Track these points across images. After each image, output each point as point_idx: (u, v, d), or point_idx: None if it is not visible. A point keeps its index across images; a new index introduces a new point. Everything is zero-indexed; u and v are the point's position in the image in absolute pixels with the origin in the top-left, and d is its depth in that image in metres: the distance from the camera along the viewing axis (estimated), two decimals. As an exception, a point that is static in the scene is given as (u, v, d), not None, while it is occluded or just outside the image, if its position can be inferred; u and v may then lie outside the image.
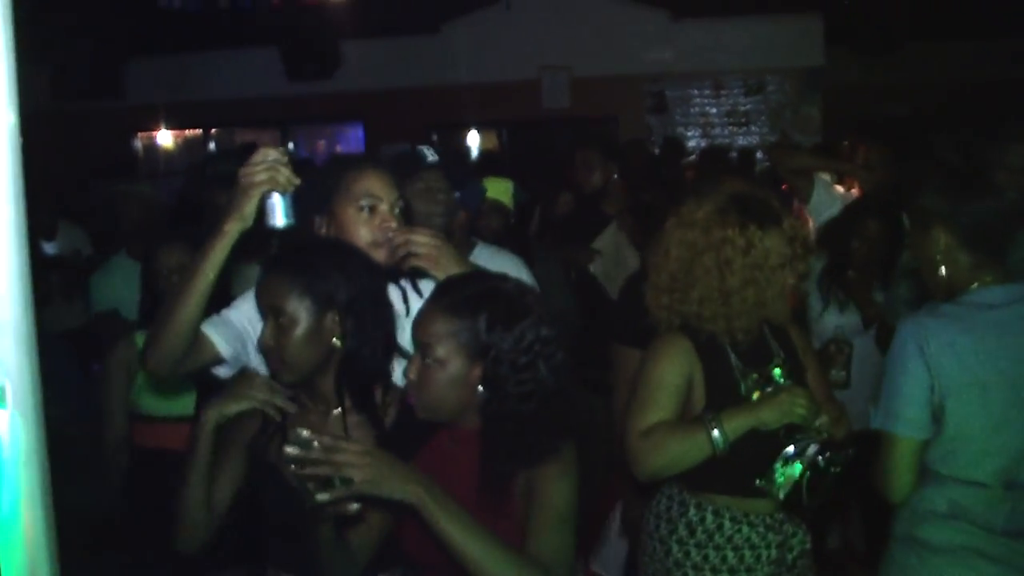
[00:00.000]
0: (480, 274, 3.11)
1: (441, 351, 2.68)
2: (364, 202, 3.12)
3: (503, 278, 2.87)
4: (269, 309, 2.86)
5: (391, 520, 2.83)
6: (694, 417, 3.26)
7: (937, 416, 3.14)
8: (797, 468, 3.18)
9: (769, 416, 3.18)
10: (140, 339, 4.28)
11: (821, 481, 3.18)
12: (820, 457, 3.15)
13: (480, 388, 2.69)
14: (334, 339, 2.87)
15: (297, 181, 2.83)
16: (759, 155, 12.90)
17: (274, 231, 2.85)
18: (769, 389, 3.34)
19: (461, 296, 2.73)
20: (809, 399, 3.20)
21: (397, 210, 3.17)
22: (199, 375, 3.40)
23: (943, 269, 3.27)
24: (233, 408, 2.94)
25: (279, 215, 2.82)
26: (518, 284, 2.86)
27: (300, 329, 2.82)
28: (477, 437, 2.73)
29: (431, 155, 3.76)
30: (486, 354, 2.66)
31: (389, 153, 3.57)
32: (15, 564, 0.69)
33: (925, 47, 13.89)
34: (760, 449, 3.19)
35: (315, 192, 3.17)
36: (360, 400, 2.93)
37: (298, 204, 2.85)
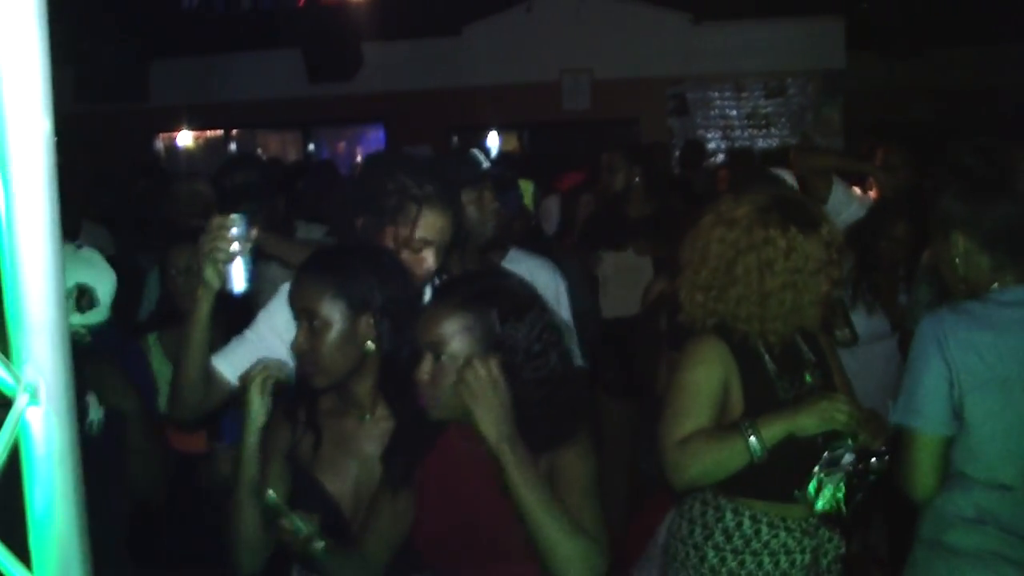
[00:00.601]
0: (478, 272, 3.13)
1: (456, 347, 2.67)
2: (418, 244, 3.11)
3: (502, 274, 2.89)
4: (303, 312, 2.88)
5: (406, 524, 2.83)
6: (730, 424, 3.22)
7: (958, 413, 3.11)
8: (836, 479, 3.15)
9: (808, 423, 3.14)
10: (152, 340, 4.30)
11: (859, 490, 3.17)
12: (858, 466, 3.14)
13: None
14: (368, 343, 2.87)
15: (241, 250, 2.91)
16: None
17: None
18: (806, 382, 3.34)
19: (469, 292, 2.73)
20: (850, 406, 3.14)
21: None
22: None
23: (963, 272, 3.27)
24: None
25: (237, 281, 2.94)
26: (518, 278, 2.91)
27: (334, 332, 2.84)
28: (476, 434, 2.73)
29: (483, 160, 3.76)
30: (501, 346, 2.67)
31: (444, 158, 3.57)
32: (48, 562, 0.70)
33: (948, 51, 13.83)
34: (799, 456, 3.16)
35: (361, 193, 3.19)
36: (397, 404, 2.92)
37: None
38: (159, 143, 16.30)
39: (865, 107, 13.87)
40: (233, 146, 16.43)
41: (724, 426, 3.23)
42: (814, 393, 3.32)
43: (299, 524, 2.67)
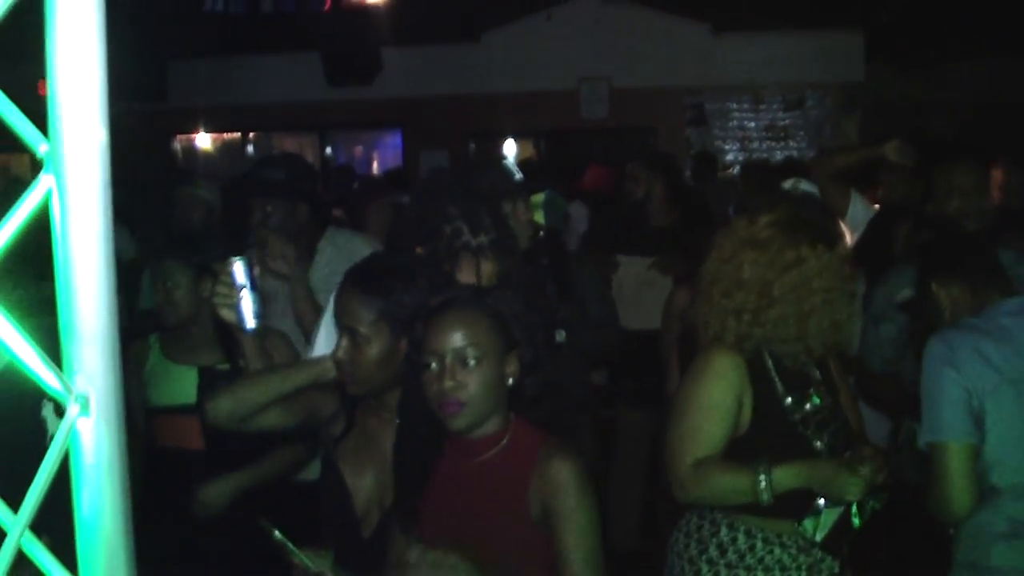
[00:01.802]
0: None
1: (477, 351, 2.69)
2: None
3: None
4: (346, 326, 2.92)
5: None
6: (746, 464, 3.16)
7: (979, 421, 3.18)
8: (836, 511, 3.17)
9: (820, 487, 3.13)
10: (153, 339, 4.29)
11: (859, 521, 3.20)
12: (858, 505, 3.17)
13: (511, 380, 2.74)
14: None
15: (245, 290, 3.15)
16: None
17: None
18: (810, 407, 3.33)
19: (482, 301, 2.77)
20: (865, 481, 3.09)
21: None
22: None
23: (949, 315, 3.46)
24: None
25: (247, 319, 3.17)
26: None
27: (374, 350, 2.89)
28: (495, 443, 2.76)
29: (517, 171, 3.78)
30: (517, 344, 2.74)
31: (480, 175, 3.60)
32: (94, 566, 0.71)
33: (966, 64, 13.82)
34: (800, 494, 3.17)
35: (418, 229, 3.28)
36: (416, 423, 2.94)
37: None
38: (177, 144, 16.35)
39: (883, 120, 13.84)
40: (250, 149, 16.47)
41: (740, 462, 3.19)
42: (826, 422, 3.32)
43: (306, 560, 2.71)
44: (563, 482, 2.70)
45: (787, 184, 6.87)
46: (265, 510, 3.02)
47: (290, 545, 2.72)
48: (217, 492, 3.83)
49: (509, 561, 2.69)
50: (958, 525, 3.32)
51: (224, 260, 3.16)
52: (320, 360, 3.07)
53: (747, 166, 11.74)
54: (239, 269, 3.11)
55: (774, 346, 3.28)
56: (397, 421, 2.97)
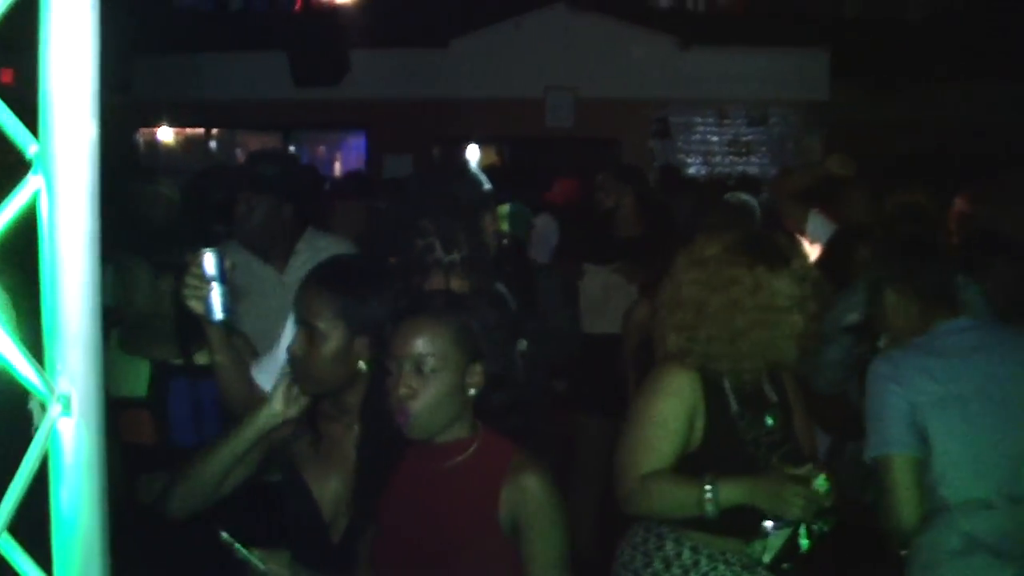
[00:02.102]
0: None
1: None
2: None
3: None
4: (303, 321, 2.93)
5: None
6: (694, 477, 3.19)
7: (924, 436, 3.25)
8: (783, 534, 3.20)
9: (765, 504, 3.16)
10: (113, 334, 4.26)
11: (807, 542, 3.23)
12: (806, 527, 3.20)
13: (472, 391, 2.74)
14: (361, 363, 2.91)
15: (216, 282, 3.11)
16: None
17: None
18: (762, 428, 3.36)
19: (443, 306, 2.79)
20: (810, 498, 3.14)
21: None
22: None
23: (898, 324, 3.52)
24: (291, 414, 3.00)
25: (216, 311, 3.13)
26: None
27: (329, 348, 2.88)
28: (462, 450, 2.77)
29: (486, 180, 3.78)
30: (481, 352, 2.74)
31: (459, 187, 3.59)
32: (69, 564, 0.71)
33: (932, 86, 13.96)
34: (747, 513, 3.20)
35: (390, 238, 3.29)
36: (378, 426, 2.94)
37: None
38: (139, 138, 16.24)
39: (847, 140, 13.95)
40: (213, 145, 16.39)
41: (687, 476, 3.22)
42: (778, 443, 3.35)
43: (256, 561, 2.70)
44: (535, 494, 2.72)
45: (728, 195, 6.97)
46: (224, 510, 3.02)
47: (238, 546, 2.71)
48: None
49: (473, 568, 2.70)
50: (910, 544, 3.35)
51: (195, 252, 3.13)
52: (263, 409, 2.98)
53: (705, 183, 11.81)
54: (210, 261, 3.09)
55: (712, 363, 3.31)
56: (357, 425, 2.98)
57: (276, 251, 4.53)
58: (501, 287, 4.02)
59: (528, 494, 2.71)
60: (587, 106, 14.55)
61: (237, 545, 2.71)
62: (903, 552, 3.42)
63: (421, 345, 2.69)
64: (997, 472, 3.27)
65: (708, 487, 3.13)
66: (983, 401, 3.28)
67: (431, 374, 2.68)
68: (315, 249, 4.52)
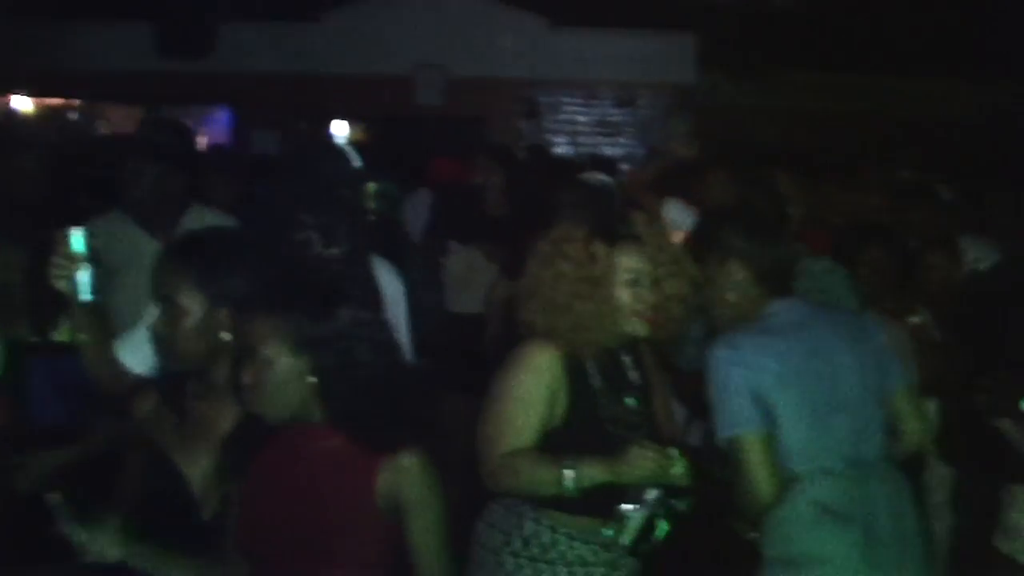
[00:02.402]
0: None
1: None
2: None
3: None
4: (163, 296, 2.88)
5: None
6: (556, 458, 3.22)
7: (770, 413, 3.33)
8: (641, 514, 3.23)
9: (627, 477, 3.20)
10: None
11: (666, 522, 3.26)
12: (665, 501, 3.23)
13: (312, 379, 2.72)
14: (223, 334, 2.87)
15: (83, 262, 3.11)
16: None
17: None
18: (622, 408, 3.42)
19: (277, 291, 2.78)
20: (663, 461, 3.20)
21: None
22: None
23: (733, 299, 3.54)
24: None
25: (83, 291, 3.13)
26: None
27: (189, 321, 2.85)
28: (322, 433, 2.76)
29: (357, 158, 3.75)
30: (313, 345, 2.72)
31: (322, 156, 3.55)
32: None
33: (799, 75, 14.26)
34: (608, 494, 3.24)
35: (268, 227, 3.26)
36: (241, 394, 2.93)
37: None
38: (-5, 107, 15.78)
39: (714, 124, 14.19)
40: (75, 116, 15.98)
41: (548, 455, 3.25)
42: (638, 425, 3.41)
43: (75, 531, 2.66)
44: (413, 472, 2.74)
45: (585, 175, 7.05)
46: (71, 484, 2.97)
47: (65, 511, 2.66)
48: (32, 470, 3.74)
49: (348, 550, 2.72)
50: (764, 520, 3.45)
51: (62, 230, 3.08)
52: None
53: (559, 163, 11.85)
54: (78, 240, 3.04)
55: (545, 335, 3.34)
56: (225, 401, 2.95)
57: (162, 223, 4.38)
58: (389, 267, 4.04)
59: (406, 473, 2.73)
60: (457, 84, 14.55)
61: (64, 511, 2.66)
62: (752, 535, 3.54)
63: (260, 332, 2.70)
64: (839, 441, 3.40)
65: (568, 469, 3.17)
66: (818, 375, 3.40)
67: (264, 360, 2.68)
68: (202, 224, 4.45)
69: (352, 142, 14.00)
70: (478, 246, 6.59)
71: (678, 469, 3.19)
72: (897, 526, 3.45)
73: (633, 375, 3.51)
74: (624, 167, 12.81)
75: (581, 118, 15.08)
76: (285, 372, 2.70)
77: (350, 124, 15.14)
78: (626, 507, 3.22)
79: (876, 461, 3.47)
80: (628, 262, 3.33)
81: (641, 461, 3.17)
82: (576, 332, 3.32)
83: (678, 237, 5.68)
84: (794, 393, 3.36)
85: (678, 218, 5.97)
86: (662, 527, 3.25)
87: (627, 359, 3.51)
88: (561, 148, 14.70)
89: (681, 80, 14.72)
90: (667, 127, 14.88)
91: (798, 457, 3.36)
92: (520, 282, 3.48)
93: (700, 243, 3.72)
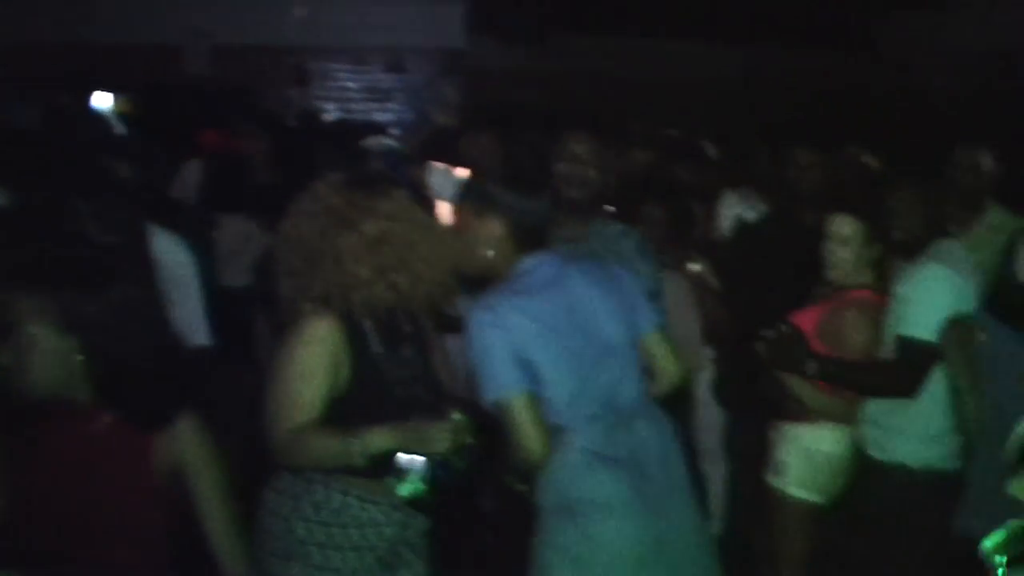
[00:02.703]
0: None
1: (28, 327, 2.73)
2: None
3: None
4: None
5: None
6: (345, 432, 3.30)
7: (532, 371, 3.49)
8: (421, 467, 3.35)
9: (413, 446, 3.32)
10: None
11: (447, 476, 3.39)
12: (442, 464, 3.36)
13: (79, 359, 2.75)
14: None
15: None
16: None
17: None
18: (402, 364, 3.52)
19: (42, 269, 2.80)
20: (453, 434, 3.33)
21: None
22: None
23: (491, 255, 3.66)
24: None
25: None
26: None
27: None
28: (92, 414, 2.80)
29: (117, 123, 3.71)
30: (81, 324, 2.73)
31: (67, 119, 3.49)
32: None
33: (569, 38, 14.51)
34: (394, 455, 3.35)
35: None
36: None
37: None
38: None
39: (484, 90, 14.34)
40: None
41: (337, 427, 3.32)
42: (418, 377, 3.57)
43: None
44: (190, 438, 2.81)
45: (370, 141, 7.12)
46: None
47: None
48: None
49: (122, 526, 2.75)
50: (536, 473, 3.62)
51: None
52: None
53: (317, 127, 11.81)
54: None
55: (364, 299, 3.41)
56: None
57: None
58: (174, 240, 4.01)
59: (182, 439, 2.80)
60: (225, 52, 14.30)
61: None
62: (522, 488, 3.71)
63: (23, 312, 2.71)
64: (602, 389, 3.61)
65: (357, 440, 3.26)
66: (576, 328, 3.58)
67: (24, 340, 2.71)
68: None
69: (118, 113, 13.67)
70: (249, 216, 6.57)
71: (461, 432, 3.34)
72: (665, 464, 3.70)
73: (408, 329, 3.60)
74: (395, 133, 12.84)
75: (351, 84, 15.02)
76: (49, 351, 2.71)
77: (116, 95, 14.73)
78: (404, 458, 3.32)
79: (638, 404, 3.71)
80: (390, 218, 3.44)
81: (428, 434, 3.31)
82: (348, 293, 3.38)
83: (443, 201, 5.84)
84: (554, 349, 3.52)
85: (442, 183, 6.08)
86: (443, 481, 3.38)
87: (401, 314, 3.58)
88: (332, 115, 14.61)
89: (450, 44, 14.80)
90: (438, 93, 14.99)
91: (564, 409, 3.56)
92: (285, 247, 3.51)
93: (461, 203, 3.82)
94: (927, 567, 4.50)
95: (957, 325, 3.82)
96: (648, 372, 3.85)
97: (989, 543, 3.10)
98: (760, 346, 4.24)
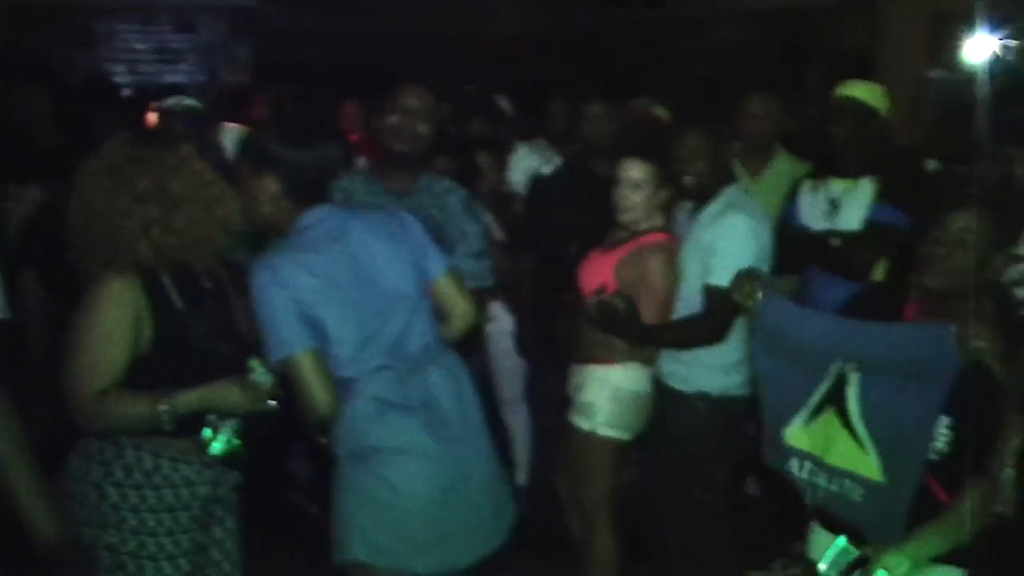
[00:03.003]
0: None
1: None
2: None
3: None
4: None
5: None
6: (151, 395, 3.29)
7: (317, 327, 3.54)
8: (231, 424, 3.41)
9: (219, 407, 3.36)
10: None
11: (255, 431, 3.47)
12: (250, 417, 3.42)
13: None
14: None
15: None
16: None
17: None
18: (206, 317, 3.50)
19: None
20: (256, 391, 3.38)
21: None
22: None
23: (268, 211, 3.70)
24: None
25: None
26: None
27: None
28: None
29: None
30: None
31: None
32: None
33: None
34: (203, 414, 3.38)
35: None
36: None
37: None
38: None
39: (274, 49, 14.19)
40: None
41: (142, 390, 3.30)
42: (222, 331, 3.54)
43: None
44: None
45: (170, 102, 6.99)
46: None
47: None
48: None
49: None
50: (331, 425, 3.69)
51: None
52: None
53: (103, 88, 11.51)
54: None
55: (141, 254, 3.37)
56: None
57: None
58: None
59: None
60: (4, 11, 13.76)
61: None
62: (323, 440, 3.77)
63: None
64: (390, 338, 3.68)
65: (163, 404, 3.25)
66: (360, 280, 3.64)
67: None
68: None
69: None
70: (40, 184, 6.37)
71: (264, 389, 3.38)
72: (458, 404, 3.82)
73: (207, 284, 3.58)
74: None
75: (139, 45, 14.64)
76: None
77: None
78: (210, 417, 3.38)
79: (430, 351, 3.80)
80: (186, 181, 3.43)
81: (233, 395, 3.34)
82: (118, 248, 3.35)
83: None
84: (338, 304, 3.58)
85: (231, 142, 6.02)
86: (252, 436, 3.46)
87: (199, 269, 3.56)
88: (120, 77, 14.22)
89: (240, 3, 14.56)
90: (229, 52, 14.74)
91: (351, 362, 3.63)
92: (73, 209, 3.45)
93: (238, 160, 3.81)
94: (724, 484, 4.85)
95: (743, 275, 3.98)
96: (441, 315, 3.92)
97: (823, 565, 3.32)
98: (588, 311, 4.33)
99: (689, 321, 4.62)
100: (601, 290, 4.39)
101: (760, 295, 3.76)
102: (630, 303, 4.31)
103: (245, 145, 3.86)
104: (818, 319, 3.71)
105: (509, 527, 4.02)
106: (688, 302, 4.66)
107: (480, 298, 4.77)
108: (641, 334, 4.45)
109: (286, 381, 3.50)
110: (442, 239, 4.58)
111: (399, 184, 4.68)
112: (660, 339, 4.65)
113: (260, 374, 3.40)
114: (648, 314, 4.50)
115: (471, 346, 4.39)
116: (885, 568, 3.14)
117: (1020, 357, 3.09)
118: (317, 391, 3.53)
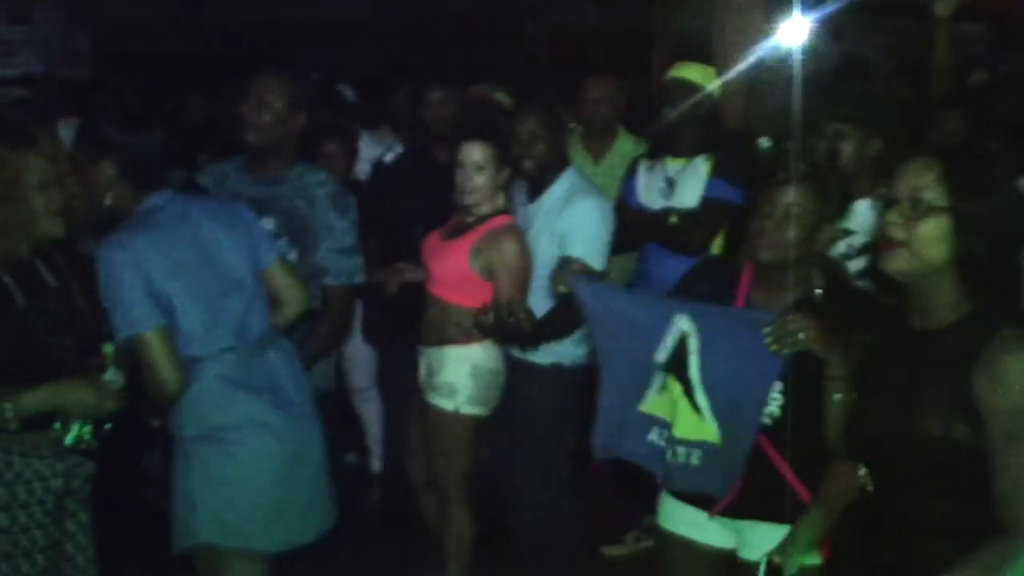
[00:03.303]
0: None
1: None
2: None
3: None
4: None
5: None
6: None
7: (166, 305, 3.56)
8: (79, 421, 3.40)
9: (68, 406, 3.35)
10: None
11: (105, 422, 3.48)
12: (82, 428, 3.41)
13: None
14: None
15: None
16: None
17: None
18: (44, 311, 3.45)
19: None
20: (105, 391, 3.39)
21: None
22: None
23: (110, 199, 3.69)
24: None
25: None
26: None
27: None
28: None
29: None
30: None
31: None
32: None
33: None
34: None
35: None
36: None
37: None
38: None
39: (114, 37, 13.98)
40: None
41: None
42: (66, 324, 3.48)
43: None
44: None
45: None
46: None
47: None
48: None
49: None
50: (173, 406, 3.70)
51: None
52: None
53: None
54: None
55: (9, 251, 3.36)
56: None
57: None
58: None
59: None
60: None
61: None
62: (155, 423, 3.81)
63: None
64: (232, 320, 3.74)
65: (7, 403, 3.20)
66: (204, 262, 3.68)
67: None
68: None
69: None
70: None
71: (108, 386, 3.40)
72: (296, 386, 3.91)
73: (49, 279, 3.53)
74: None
75: (-26, 37, 14.25)
76: None
77: None
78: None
79: (268, 334, 3.87)
80: (36, 165, 3.36)
81: (82, 394, 3.34)
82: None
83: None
84: (185, 282, 3.60)
85: (68, 134, 5.93)
86: (103, 421, 3.47)
87: (41, 265, 3.52)
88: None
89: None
90: (69, 43, 14.42)
91: (198, 342, 3.66)
92: None
93: (75, 149, 3.77)
94: (574, 455, 4.98)
95: (556, 268, 4.08)
96: (272, 303, 4.00)
97: None
98: (483, 323, 4.27)
99: (563, 312, 4.57)
100: (491, 304, 4.35)
101: (573, 282, 3.77)
102: (526, 308, 4.30)
103: (81, 132, 3.83)
104: (644, 295, 3.81)
105: (338, 507, 4.13)
106: (539, 284, 4.75)
107: (349, 295, 4.86)
108: (538, 333, 4.46)
109: (134, 361, 3.51)
110: (306, 232, 4.63)
111: (269, 173, 4.68)
112: (550, 334, 4.71)
113: (110, 373, 3.41)
114: (507, 296, 4.54)
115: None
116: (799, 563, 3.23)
117: (850, 329, 3.18)
118: (165, 369, 3.53)
